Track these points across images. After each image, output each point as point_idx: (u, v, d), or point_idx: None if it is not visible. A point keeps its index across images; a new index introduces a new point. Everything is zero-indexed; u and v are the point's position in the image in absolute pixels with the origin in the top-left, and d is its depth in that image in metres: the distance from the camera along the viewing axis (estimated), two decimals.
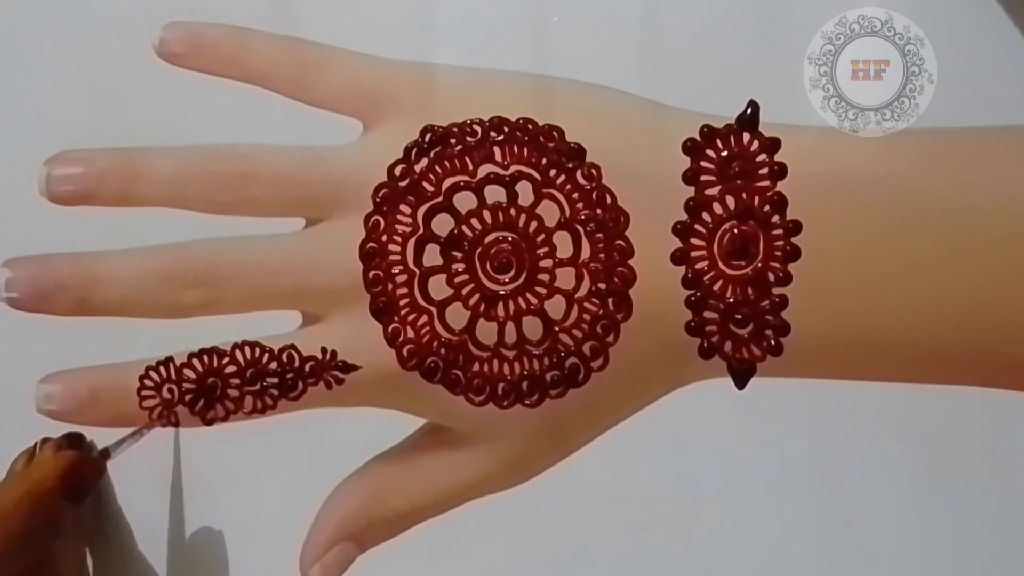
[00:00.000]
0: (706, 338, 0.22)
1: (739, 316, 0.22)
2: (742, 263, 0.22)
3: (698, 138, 0.23)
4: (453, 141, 0.23)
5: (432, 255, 0.22)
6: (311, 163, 0.24)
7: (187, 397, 0.23)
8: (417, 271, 0.22)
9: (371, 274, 0.22)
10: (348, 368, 0.23)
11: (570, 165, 0.22)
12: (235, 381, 0.23)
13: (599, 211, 0.22)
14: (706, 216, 0.22)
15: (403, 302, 0.22)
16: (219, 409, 0.23)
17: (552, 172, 0.22)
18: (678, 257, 0.22)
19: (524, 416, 0.23)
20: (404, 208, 0.22)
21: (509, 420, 0.23)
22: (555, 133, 0.23)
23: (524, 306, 0.22)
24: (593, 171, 0.22)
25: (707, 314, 0.22)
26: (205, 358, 0.23)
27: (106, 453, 0.23)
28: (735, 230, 0.22)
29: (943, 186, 0.23)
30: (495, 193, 0.22)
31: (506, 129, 0.23)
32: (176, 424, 0.23)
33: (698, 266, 0.22)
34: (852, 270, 0.22)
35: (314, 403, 0.23)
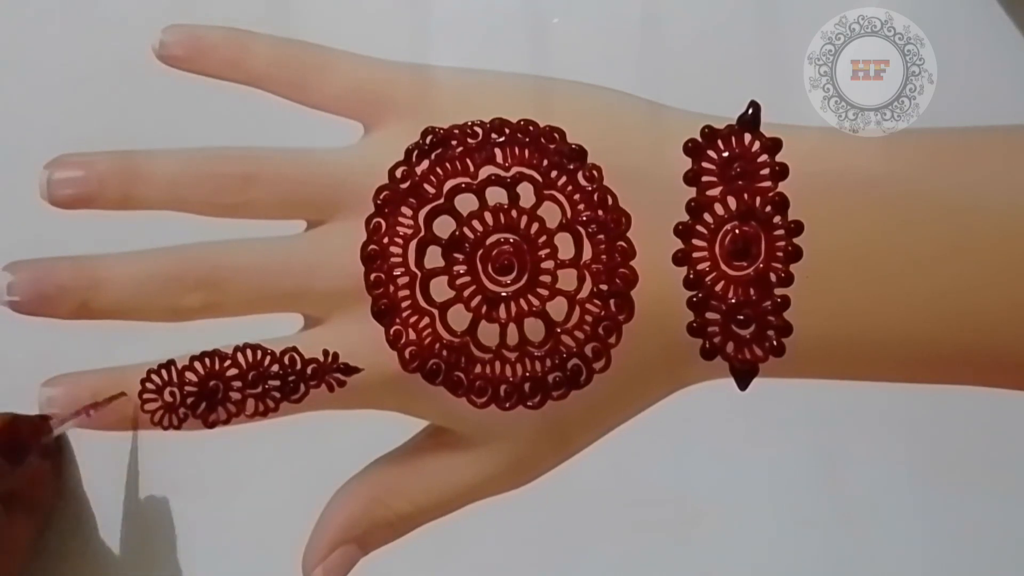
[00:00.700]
0: (708, 339, 0.22)
1: (741, 317, 0.22)
2: (744, 264, 0.22)
3: (699, 139, 0.23)
4: (454, 143, 0.23)
5: (433, 257, 0.22)
6: (312, 165, 0.24)
7: (189, 400, 0.23)
8: (419, 273, 0.22)
9: (372, 276, 0.22)
10: (350, 370, 0.23)
11: (571, 166, 0.22)
12: (237, 384, 0.23)
13: (600, 212, 0.22)
14: (707, 217, 0.22)
15: (405, 304, 0.22)
16: (221, 412, 0.23)
17: (553, 173, 0.22)
18: (680, 258, 0.22)
19: (526, 418, 0.23)
20: (405, 210, 0.22)
21: (511, 422, 0.23)
22: (556, 134, 0.23)
23: (526, 308, 0.22)
24: (594, 172, 0.22)
25: (709, 315, 0.22)
26: (207, 361, 0.23)
27: (47, 418, 0.23)
28: (737, 231, 0.22)
29: (943, 186, 0.23)
30: (496, 195, 0.22)
31: (507, 131, 0.23)
32: (179, 427, 0.23)
33: (700, 267, 0.22)
34: (853, 270, 0.22)
35: (316, 405, 0.23)
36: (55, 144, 0.24)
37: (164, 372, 0.23)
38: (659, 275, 0.22)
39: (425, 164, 0.23)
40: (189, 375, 0.23)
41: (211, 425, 0.23)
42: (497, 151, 0.23)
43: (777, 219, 0.22)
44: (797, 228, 0.22)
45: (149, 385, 0.23)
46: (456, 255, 0.22)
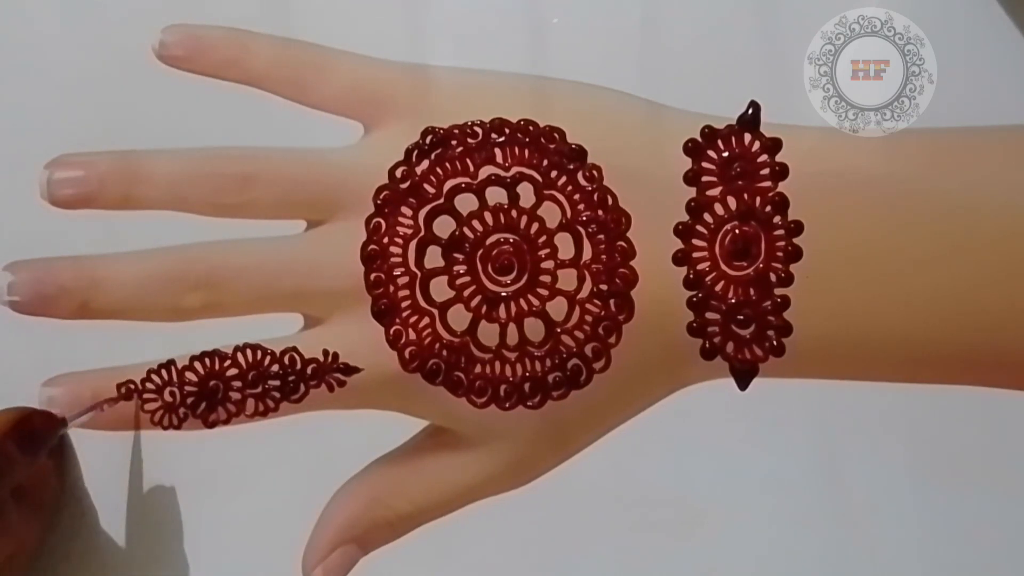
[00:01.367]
0: (708, 339, 0.22)
1: (741, 317, 0.22)
2: (744, 264, 0.22)
3: (699, 139, 0.23)
4: (454, 143, 0.23)
5: (433, 257, 0.22)
6: (312, 165, 0.24)
7: (189, 400, 0.23)
8: (418, 273, 0.22)
9: (372, 276, 0.22)
10: (350, 370, 0.23)
11: (571, 166, 0.22)
12: (237, 384, 0.23)
13: (600, 212, 0.22)
14: (707, 217, 0.22)
15: (405, 304, 0.22)
16: (221, 412, 0.23)
17: (553, 173, 0.22)
18: (680, 258, 0.22)
19: (526, 417, 0.23)
20: (405, 210, 0.22)
21: (511, 422, 0.23)
22: (556, 134, 0.23)
23: (526, 308, 0.22)
24: (594, 172, 0.22)
25: (709, 315, 0.22)
26: (207, 361, 0.23)
27: (54, 415, 0.23)
28: (736, 231, 0.22)
29: (943, 186, 0.23)
30: (496, 195, 0.22)
31: (507, 131, 0.23)
32: (179, 427, 0.23)
33: (700, 267, 0.22)
34: (853, 270, 0.22)
35: (316, 405, 0.23)
36: (55, 144, 0.24)
37: (164, 372, 0.23)
38: (659, 275, 0.22)
39: (425, 164, 0.23)
40: (189, 375, 0.23)
41: (211, 425, 0.23)
42: (497, 151, 0.23)
43: (777, 219, 0.22)
44: (797, 228, 0.22)
45: (149, 385, 0.23)
46: (456, 255, 0.22)
